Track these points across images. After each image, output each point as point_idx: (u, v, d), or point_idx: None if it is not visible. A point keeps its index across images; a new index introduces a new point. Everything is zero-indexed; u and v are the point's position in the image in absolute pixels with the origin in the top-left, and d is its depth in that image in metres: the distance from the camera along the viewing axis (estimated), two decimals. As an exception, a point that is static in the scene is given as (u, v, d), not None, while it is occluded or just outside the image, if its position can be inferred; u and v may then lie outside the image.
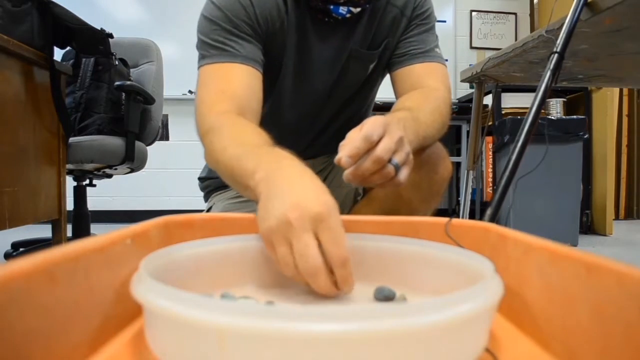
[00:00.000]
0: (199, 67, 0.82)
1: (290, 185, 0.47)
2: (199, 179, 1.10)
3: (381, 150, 0.55)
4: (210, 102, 0.76)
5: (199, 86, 0.80)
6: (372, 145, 0.56)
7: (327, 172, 1.05)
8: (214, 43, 0.80)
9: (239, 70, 0.79)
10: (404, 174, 0.60)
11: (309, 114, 0.98)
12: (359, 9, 0.86)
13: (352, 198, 1.00)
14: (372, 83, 1.01)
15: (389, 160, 0.58)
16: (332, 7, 0.83)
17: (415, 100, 0.83)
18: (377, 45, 0.92)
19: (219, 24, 0.80)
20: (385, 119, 0.60)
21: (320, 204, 0.43)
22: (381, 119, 0.61)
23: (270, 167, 0.52)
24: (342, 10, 0.84)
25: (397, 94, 0.91)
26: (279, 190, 0.46)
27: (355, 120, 0.96)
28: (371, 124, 0.56)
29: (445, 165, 0.85)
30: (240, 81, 0.78)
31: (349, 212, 1.00)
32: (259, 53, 0.83)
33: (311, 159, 1.03)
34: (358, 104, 1.02)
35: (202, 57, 0.82)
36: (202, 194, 1.11)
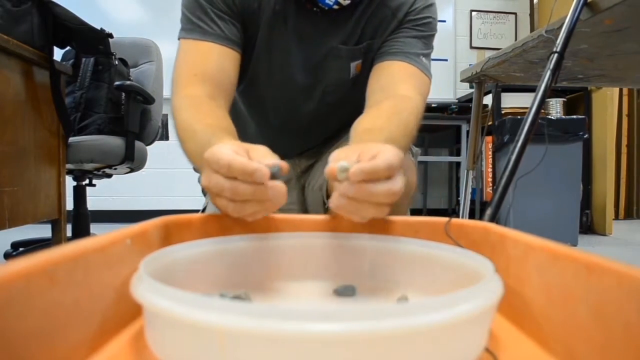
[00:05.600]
0: (178, 38, 0.85)
1: None
2: (195, 169, 1.10)
3: (398, 187, 0.47)
4: (183, 82, 0.79)
5: (176, 61, 0.83)
6: (389, 176, 0.47)
7: (307, 175, 1.04)
8: (191, 17, 0.82)
9: (212, 50, 0.81)
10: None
11: (289, 112, 0.96)
12: (347, 2, 0.82)
13: (322, 205, 0.96)
14: (361, 87, 0.92)
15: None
16: None
17: (382, 119, 0.75)
18: (361, 42, 0.89)
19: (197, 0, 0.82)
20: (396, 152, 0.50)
21: None
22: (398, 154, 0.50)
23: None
24: (329, 0, 0.81)
25: (368, 91, 0.85)
26: None
27: (349, 123, 0.85)
28: (394, 156, 0.47)
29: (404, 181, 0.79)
30: (212, 61, 0.80)
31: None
32: (234, 30, 0.83)
33: (296, 157, 1.02)
34: (349, 108, 0.95)
35: (181, 29, 0.85)
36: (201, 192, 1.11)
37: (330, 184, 0.52)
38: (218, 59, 0.80)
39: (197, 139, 0.67)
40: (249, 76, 0.91)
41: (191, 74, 0.79)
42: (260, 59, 0.89)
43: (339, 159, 0.48)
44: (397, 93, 0.81)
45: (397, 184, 0.47)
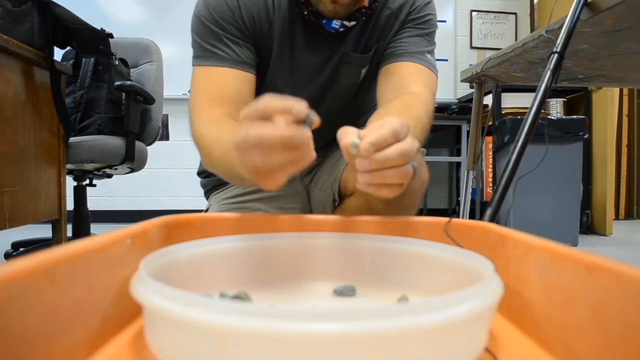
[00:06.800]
0: (192, 65, 0.84)
1: None
2: (198, 174, 1.10)
3: (409, 145, 0.49)
4: (199, 108, 0.79)
5: (191, 89, 0.83)
6: (397, 141, 0.50)
7: (313, 174, 1.04)
8: (204, 44, 0.82)
9: (227, 75, 0.80)
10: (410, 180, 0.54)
11: None
12: (353, 23, 0.84)
13: (331, 204, 0.99)
14: (367, 89, 0.97)
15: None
16: (324, 22, 0.82)
17: (393, 114, 0.74)
18: (369, 48, 0.91)
19: (208, 25, 0.81)
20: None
21: None
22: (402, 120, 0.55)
23: None
24: (335, 24, 0.83)
25: (379, 93, 0.88)
26: None
27: (354, 124, 0.91)
28: (397, 122, 0.51)
29: (416, 176, 0.81)
30: (229, 86, 0.80)
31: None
32: (248, 54, 0.83)
33: None
34: (355, 111, 0.99)
35: (194, 56, 0.84)
36: (202, 192, 1.11)
37: (349, 161, 0.54)
38: (234, 83, 0.81)
39: (223, 146, 0.66)
40: (262, 91, 0.92)
41: (209, 100, 0.79)
42: (273, 77, 0.90)
43: (346, 133, 0.50)
44: (407, 91, 0.83)
45: (406, 143, 0.49)
